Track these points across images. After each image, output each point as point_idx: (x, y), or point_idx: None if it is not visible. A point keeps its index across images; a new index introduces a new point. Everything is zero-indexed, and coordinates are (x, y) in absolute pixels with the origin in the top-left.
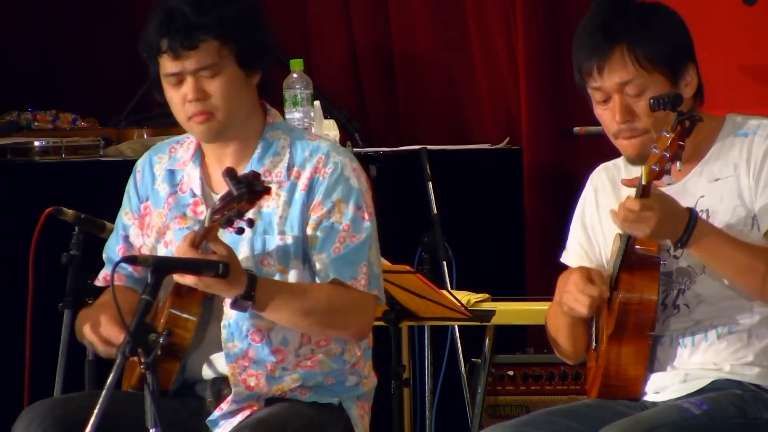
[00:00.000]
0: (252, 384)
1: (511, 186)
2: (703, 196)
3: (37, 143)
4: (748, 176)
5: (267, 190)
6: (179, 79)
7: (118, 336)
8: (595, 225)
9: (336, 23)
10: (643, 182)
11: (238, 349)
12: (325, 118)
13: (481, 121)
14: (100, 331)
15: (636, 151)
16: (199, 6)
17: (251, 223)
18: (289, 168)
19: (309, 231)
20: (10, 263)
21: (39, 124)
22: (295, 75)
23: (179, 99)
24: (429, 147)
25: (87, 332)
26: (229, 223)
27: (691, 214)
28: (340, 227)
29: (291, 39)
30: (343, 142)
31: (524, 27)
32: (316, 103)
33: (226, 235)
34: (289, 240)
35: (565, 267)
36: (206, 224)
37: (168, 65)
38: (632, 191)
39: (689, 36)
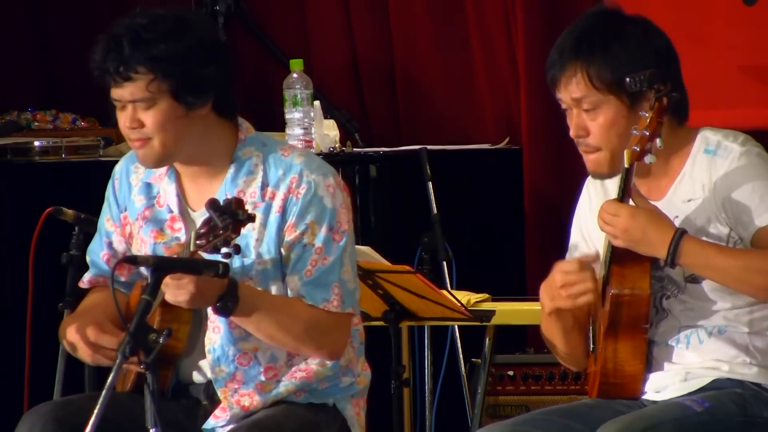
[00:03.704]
0: (246, 404)
1: (511, 186)
2: (677, 217)
3: (37, 143)
4: (713, 200)
5: (251, 218)
6: (121, 104)
7: (110, 341)
8: (591, 228)
9: (336, 23)
10: (626, 165)
11: (226, 374)
12: (325, 118)
13: (481, 122)
14: (88, 334)
15: (591, 167)
16: (136, 39)
17: (237, 249)
18: (263, 187)
19: (282, 252)
20: (10, 263)
21: (39, 124)
22: (295, 75)
23: (122, 122)
24: (429, 147)
25: (71, 334)
26: (215, 249)
27: (675, 231)
28: (312, 249)
29: (291, 39)
30: (343, 142)
31: (524, 27)
32: (316, 103)
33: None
34: (268, 264)
35: None
36: (191, 249)
37: (111, 90)
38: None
39: (659, 62)
